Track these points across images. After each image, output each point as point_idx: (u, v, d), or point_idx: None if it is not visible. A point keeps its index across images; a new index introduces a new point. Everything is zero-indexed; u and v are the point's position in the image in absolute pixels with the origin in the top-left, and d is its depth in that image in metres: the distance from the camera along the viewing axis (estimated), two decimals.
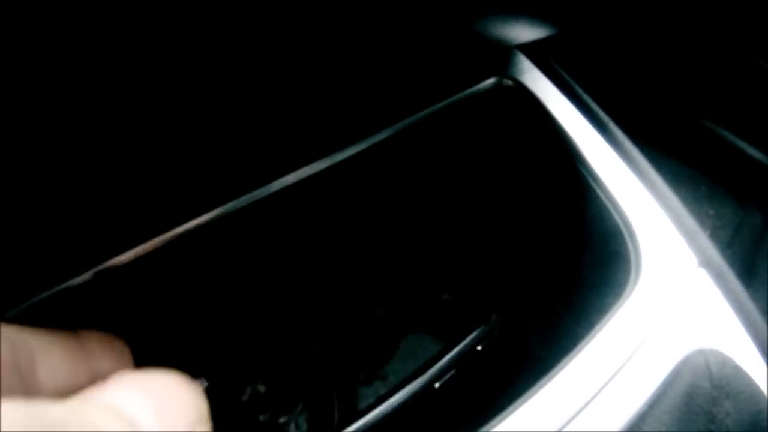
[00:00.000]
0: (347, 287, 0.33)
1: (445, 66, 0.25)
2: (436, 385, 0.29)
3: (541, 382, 0.22)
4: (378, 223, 0.31)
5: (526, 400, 0.21)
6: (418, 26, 0.20)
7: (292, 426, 0.33)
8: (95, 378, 0.21)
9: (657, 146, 0.37)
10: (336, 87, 0.22)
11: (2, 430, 0.14)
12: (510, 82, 0.28)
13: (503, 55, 0.28)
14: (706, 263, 0.28)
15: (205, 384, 0.32)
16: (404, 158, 0.28)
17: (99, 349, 0.21)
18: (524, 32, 0.26)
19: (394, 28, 0.19)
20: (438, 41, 0.22)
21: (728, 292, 0.27)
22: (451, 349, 0.29)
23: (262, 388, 0.33)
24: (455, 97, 0.26)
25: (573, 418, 0.21)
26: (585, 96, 0.28)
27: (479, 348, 0.29)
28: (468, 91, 0.27)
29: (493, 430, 0.20)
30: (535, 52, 0.29)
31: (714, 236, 0.39)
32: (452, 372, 0.29)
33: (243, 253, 0.28)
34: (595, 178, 0.27)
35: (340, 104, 0.23)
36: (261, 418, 0.33)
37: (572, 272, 0.26)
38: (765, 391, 0.26)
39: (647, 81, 0.41)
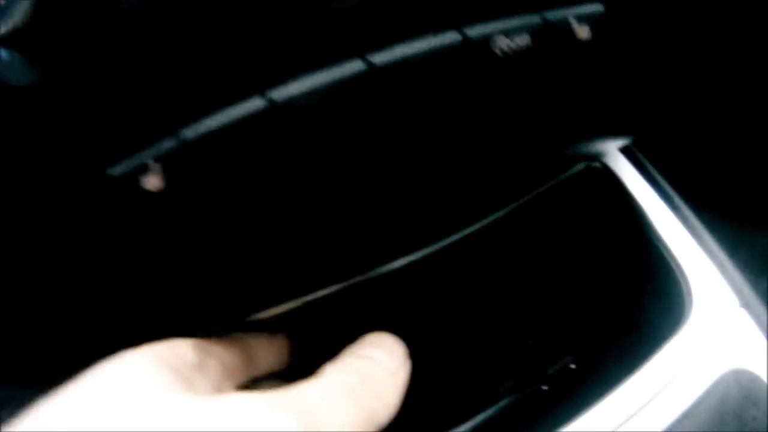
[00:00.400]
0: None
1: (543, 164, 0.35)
2: None
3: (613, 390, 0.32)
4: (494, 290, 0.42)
5: (595, 404, 0.31)
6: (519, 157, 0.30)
7: None
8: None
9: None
10: (457, 190, 0.32)
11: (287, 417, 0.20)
12: (598, 165, 0.38)
13: None
14: (746, 305, 0.37)
15: None
16: (513, 236, 0.38)
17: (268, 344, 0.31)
18: (609, 148, 0.35)
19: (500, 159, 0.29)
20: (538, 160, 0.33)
21: (762, 327, 0.36)
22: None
23: None
24: (553, 182, 0.36)
25: (629, 419, 0.31)
26: (656, 173, 0.38)
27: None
28: (564, 175, 0.37)
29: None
30: None
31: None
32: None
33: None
34: (660, 241, 0.36)
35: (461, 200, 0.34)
36: None
37: (637, 315, 0.36)
38: None
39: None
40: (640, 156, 0.38)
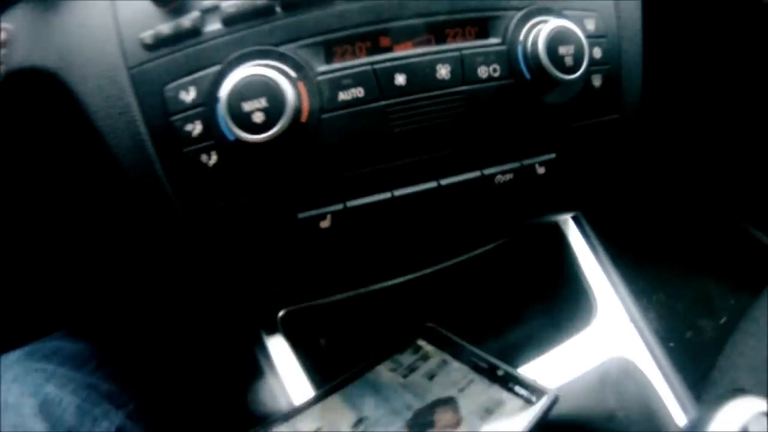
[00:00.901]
0: None
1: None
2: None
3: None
4: None
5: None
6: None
7: None
8: None
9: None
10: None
11: None
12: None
13: None
14: (632, 319, 0.60)
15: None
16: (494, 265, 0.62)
17: None
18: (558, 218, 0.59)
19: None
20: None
21: (640, 332, 0.60)
22: None
23: None
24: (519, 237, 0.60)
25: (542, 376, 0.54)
26: (591, 232, 0.61)
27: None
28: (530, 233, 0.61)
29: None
30: None
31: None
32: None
33: None
34: (583, 274, 0.60)
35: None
36: None
37: (559, 319, 0.60)
38: (645, 374, 0.55)
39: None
40: (583, 221, 0.62)
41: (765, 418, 0.34)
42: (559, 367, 0.55)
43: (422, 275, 0.57)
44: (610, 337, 0.58)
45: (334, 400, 0.40)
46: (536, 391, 0.42)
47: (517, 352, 0.56)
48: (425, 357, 0.45)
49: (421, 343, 0.46)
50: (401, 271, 0.56)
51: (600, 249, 0.61)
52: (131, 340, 0.69)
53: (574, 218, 0.62)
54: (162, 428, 0.61)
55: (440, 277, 0.58)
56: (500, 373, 0.43)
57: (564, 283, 0.61)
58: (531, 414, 0.40)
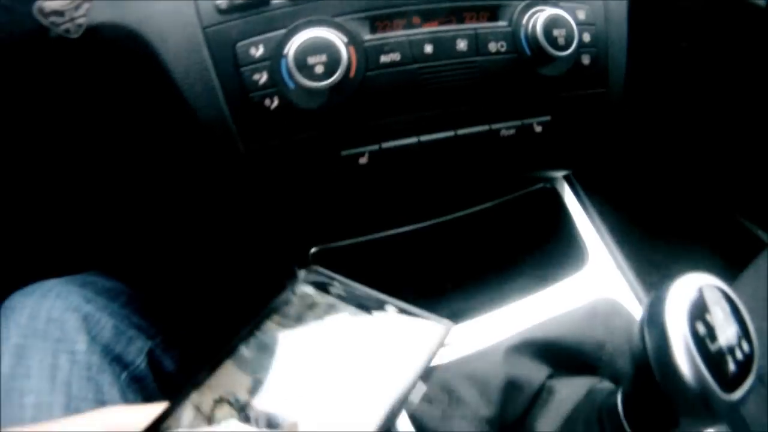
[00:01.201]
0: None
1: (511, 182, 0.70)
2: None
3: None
4: None
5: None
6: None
7: None
8: None
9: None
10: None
11: None
12: (548, 185, 0.73)
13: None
14: (618, 265, 0.70)
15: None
16: (494, 218, 0.73)
17: None
18: (555, 175, 0.70)
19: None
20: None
21: (626, 277, 0.70)
22: None
23: None
24: (523, 192, 0.71)
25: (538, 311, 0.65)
26: (580, 190, 0.72)
27: None
28: (531, 188, 0.72)
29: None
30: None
31: None
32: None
33: None
34: (576, 229, 0.71)
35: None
36: None
37: (554, 263, 0.70)
38: (631, 313, 0.62)
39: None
40: (574, 181, 0.73)
41: (717, 289, 0.35)
42: (552, 304, 0.63)
43: (435, 224, 0.68)
44: (599, 281, 0.67)
45: (228, 367, 0.36)
46: (430, 323, 0.38)
47: (514, 293, 0.65)
48: (312, 305, 0.41)
49: (307, 289, 0.41)
50: (420, 217, 0.67)
51: (591, 208, 0.72)
52: (161, 279, 0.75)
53: (569, 182, 0.73)
54: (190, 359, 0.67)
55: (448, 228, 0.69)
56: (391, 309, 0.40)
57: (559, 236, 0.72)
58: (428, 347, 0.36)
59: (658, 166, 1.03)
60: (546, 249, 0.73)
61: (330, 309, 0.40)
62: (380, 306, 0.40)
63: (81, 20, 0.48)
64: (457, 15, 0.54)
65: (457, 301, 0.69)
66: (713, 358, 0.31)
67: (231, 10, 0.49)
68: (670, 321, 0.33)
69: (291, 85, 0.49)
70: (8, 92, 0.57)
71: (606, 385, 0.54)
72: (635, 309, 0.64)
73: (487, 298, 0.68)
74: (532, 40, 0.55)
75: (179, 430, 0.32)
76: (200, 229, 0.83)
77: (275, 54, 0.49)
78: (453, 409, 0.52)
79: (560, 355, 0.57)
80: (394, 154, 0.55)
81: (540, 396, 0.54)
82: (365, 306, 0.40)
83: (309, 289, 0.42)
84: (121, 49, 0.50)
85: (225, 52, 0.49)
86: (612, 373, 0.57)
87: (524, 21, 0.55)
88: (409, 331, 0.38)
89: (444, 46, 0.53)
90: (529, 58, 0.56)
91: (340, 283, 0.42)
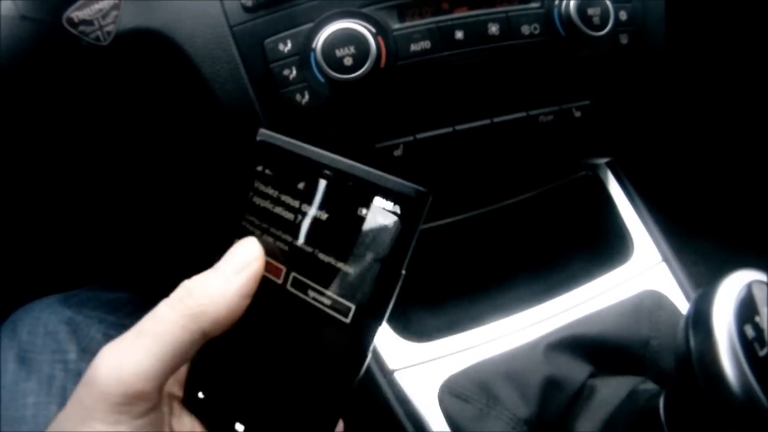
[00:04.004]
0: None
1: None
2: None
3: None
4: None
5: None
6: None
7: None
8: None
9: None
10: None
11: None
12: (591, 173, 0.70)
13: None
14: (665, 259, 0.67)
15: None
16: (539, 207, 0.70)
17: None
18: (598, 162, 0.67)
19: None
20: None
21: (673, 271, 0.67)
22: None
23: None
24: (567, 179, 0.68)
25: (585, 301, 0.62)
26: (625, 179, 0.69)
27: None
28: (574, 176, 0.69)
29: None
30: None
31: None
32: None
33: None
34: (621, 218, 0.68)
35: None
36: None
37: (601, 255, 0.68)
38: (678, 307, 0.59)
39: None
40: (618, 170, 0.70)
41: (765, 286, 0.33)
42: (595, 298, 0.61)
43: (474, 216, 0.66)
44: (644, 273, 0.64)
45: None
46: (404, 190, 0.33)
47: (555, 287, 0.63)
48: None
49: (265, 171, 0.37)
50: (458, 209, 0.65)
51: (636, 197, 0.69)
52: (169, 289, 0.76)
53: (613, 170, 0.70)
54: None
55: (487, 220, 0.67)
56: (361, 174, 0.35)
57: (603, 227, 0.69)
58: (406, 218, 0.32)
59: (708, 155, 0.98)
60: (589, 240, 0.70)
61: None
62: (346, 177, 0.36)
63: (110, 27, 0.48)
64: None
65: (496, 296, 0.67)
66: (761, 365, 0.29)
67: (257, 7, 0.49)
68: (717, 322, 0.31)
69: (321, 78, 0.48)
70: (41, 102, 0.57)
71: (649, 386, 0.51)
72: (682, 303, 0.62)
73: (527, 292, 0.67)
74: (566, 20, 0.52)
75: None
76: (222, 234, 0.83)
77: (303, 48, 0.49)
78: (489, 408, 0.50)
79: (602, 352, 0.55)
80: (429, 145, 0.53)
81: (580, 396, 0.52)
82: (325, 175, 0.36)
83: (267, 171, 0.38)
84: (152, 53, 0.51)
85: (253, 50, 0.49)
86: (657, 371, 0.54)
87: (557, 1, 0.52)
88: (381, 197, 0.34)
89: (475, 31, 0.51)
90: (564, 40, 0.53)
91: (295, 154, 0.37)
